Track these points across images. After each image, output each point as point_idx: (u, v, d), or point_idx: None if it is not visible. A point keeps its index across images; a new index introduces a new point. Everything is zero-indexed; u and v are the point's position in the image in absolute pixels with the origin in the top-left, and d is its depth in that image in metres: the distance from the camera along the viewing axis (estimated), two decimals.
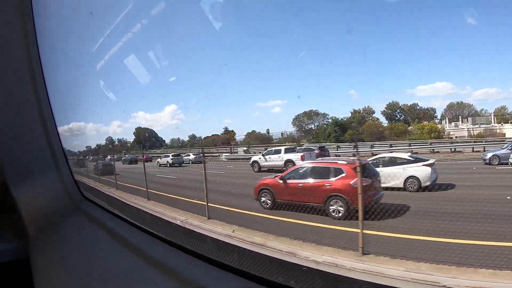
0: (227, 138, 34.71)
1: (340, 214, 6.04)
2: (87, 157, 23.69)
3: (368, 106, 30.70)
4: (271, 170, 12.95)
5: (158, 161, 23.71)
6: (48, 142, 2.33)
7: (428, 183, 7.78)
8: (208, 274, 1.21)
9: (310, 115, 32.66)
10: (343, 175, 6.37)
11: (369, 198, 5.69)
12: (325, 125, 31.17)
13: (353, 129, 27.43)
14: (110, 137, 41.08)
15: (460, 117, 26.10)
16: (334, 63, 35.64)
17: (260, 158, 14.68)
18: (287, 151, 14.53)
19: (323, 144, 22.56)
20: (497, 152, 11.61)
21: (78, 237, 2.07)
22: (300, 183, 6.84)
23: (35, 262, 1.91)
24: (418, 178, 7.79)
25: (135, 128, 42.37)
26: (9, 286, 1.98)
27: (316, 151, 14.99)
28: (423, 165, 8.15)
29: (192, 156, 24.40)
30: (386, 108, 29.99)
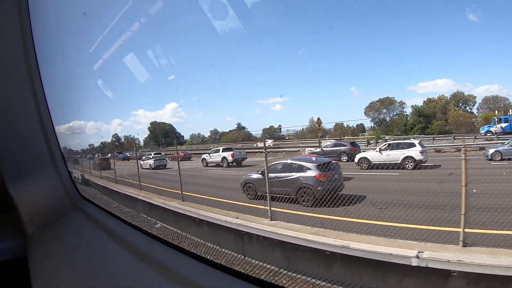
0: (246, 134, 33.45)
1: None
2: (95, 155, 23.90)
3: (443, 94, 26.74)
4: (217, 165, 17.51)
5: (204, 158, 18.45)
6: (45, 141, 2.34)
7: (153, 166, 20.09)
8: (205, 275, 1.22)
9: (385, 103, 27.94)
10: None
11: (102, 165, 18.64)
12: (405, 115, 26.81)
13: (439, 120, 23.46)
14: (116, 134, 39.18)
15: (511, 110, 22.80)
16: (335, 60, 35.40)
17: (207, 156, 18.53)
18: (224, 150, 18.29)
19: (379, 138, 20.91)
20: (499, 149, 12.36)
21: (75, 235, 2.08)
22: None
23: (33, 261, 1.93)
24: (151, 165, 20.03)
25: (150, 123, 39.46)
26: (7, 285, 1.99)
27: (349, 147, 15.44)
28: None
29: (225, 153, 18.66)
30: (450, 98, 26.64)
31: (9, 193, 2.21)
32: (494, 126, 19.68)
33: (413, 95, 40.07)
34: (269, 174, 7.44)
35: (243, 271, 1.23)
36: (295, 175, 7.91)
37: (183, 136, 39.50)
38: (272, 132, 32.54)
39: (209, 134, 37.95)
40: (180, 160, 17.74)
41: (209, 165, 17.97)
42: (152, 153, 24.82)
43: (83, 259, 1.71)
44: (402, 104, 27.60)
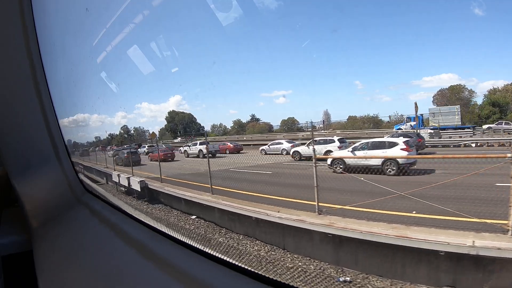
0: (267, 125, 32.25)
1: None
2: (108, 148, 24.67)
3: (509, 84, 23.51)
4: (198, 156, 20.06)
5: (186, 150, 21.16)
6: (49, 135, 2.33)
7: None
8: (213, 273, 1.19)
9: (456, 90, 24.76)
10: None
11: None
12: (477, 105, 23.94)
13: None
14: (125, 126, 36.88)
15: None
16: (339, 53, 34.99)
17: (187, 148, 21.58)
18: (200, 144, 21.20)
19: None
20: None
21: (80, 229, 2.08)
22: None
23: (38, 255, 1.93)
24: None
25: (168, 112, 37.07)
26: (14, 278, 2.01)
27: (416, 138, 14.67)
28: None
29: (287, 145, 18.13)
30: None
31: (13, 187, 2.21)
32: (405, 124, 22.16)
33: (418, 89, 39.52)
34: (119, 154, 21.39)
35: (255, 271, 1.20)
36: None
37: (203, 127, 37.02)
38: (291, 124, 31.35)
39: (232, 124, 35.72)
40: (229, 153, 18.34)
41: (189, 156, 20.91)
42: (191, 144, 24.13)
43: (86, 253, 1.71)
44: (471, 92, 24.85)
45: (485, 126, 19.55)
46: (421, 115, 21.32)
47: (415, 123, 20.71)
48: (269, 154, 17.69)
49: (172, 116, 37.57)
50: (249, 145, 23.16)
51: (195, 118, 37.93)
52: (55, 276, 1.65)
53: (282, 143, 18.87)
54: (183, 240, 1.56)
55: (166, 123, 37.77)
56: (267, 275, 1.15)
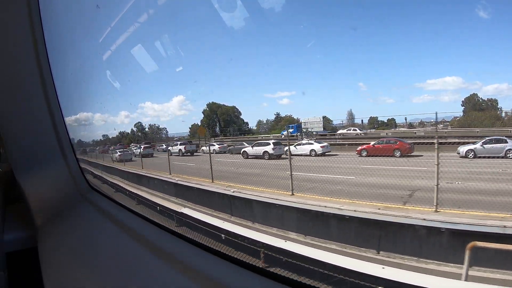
0: (326, 120, 30.56)
1: None
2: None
3: None
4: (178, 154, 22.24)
5: (169, 149, 20.75)
6: (55, 132, 2.33)
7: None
8: (219, 268, 1.18)
9: None
10: None
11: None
12: None
13: None
14: (139, 122, 34.25)
15: None
16: (343, 54, 34.91)
17: (170, 148, 23.21)
18: (180, 144, 23.66)
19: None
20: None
21: (85, 227, 2.08)
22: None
23: (43, 251, 1.93)
24: None
25: (206, 105, 31.68)
26: (18, 275, 2.00)
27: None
28: None
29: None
30: None
31: (18, 183, 2.21)
32: (286, 131, 26.39)
33: (421, 92, 39.30)
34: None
35: (257, 265, 1.18)
36: None
37: (247, 123, 32.64)
38: (324, 123, 30.13)
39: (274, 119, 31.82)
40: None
41: (172, 154, 22.03)
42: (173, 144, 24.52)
43: (92, 250, 1.70)
44: None
45: (339, 131, 25.27)
46: (298, 123, 26.69)
47: (292, 130, 26.07)
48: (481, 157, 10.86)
49: (213, 110, 31.51)
50: (343, 144, 17.84)
51: (239, 112, 32.53)
52: (60, 273, 1.65)
53: (507, 141, 11.30)
54: (188, 236, 1.55)
55: (203, 116, 32.28)
56: (280, 273, 1.12)
